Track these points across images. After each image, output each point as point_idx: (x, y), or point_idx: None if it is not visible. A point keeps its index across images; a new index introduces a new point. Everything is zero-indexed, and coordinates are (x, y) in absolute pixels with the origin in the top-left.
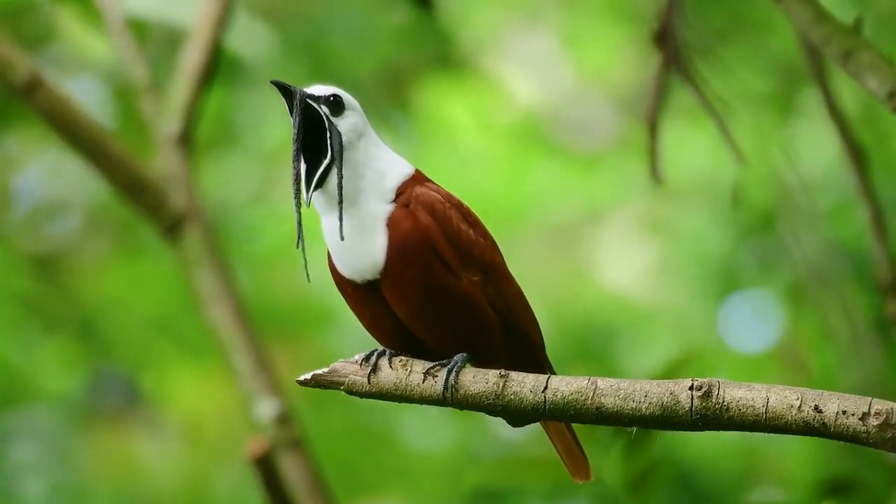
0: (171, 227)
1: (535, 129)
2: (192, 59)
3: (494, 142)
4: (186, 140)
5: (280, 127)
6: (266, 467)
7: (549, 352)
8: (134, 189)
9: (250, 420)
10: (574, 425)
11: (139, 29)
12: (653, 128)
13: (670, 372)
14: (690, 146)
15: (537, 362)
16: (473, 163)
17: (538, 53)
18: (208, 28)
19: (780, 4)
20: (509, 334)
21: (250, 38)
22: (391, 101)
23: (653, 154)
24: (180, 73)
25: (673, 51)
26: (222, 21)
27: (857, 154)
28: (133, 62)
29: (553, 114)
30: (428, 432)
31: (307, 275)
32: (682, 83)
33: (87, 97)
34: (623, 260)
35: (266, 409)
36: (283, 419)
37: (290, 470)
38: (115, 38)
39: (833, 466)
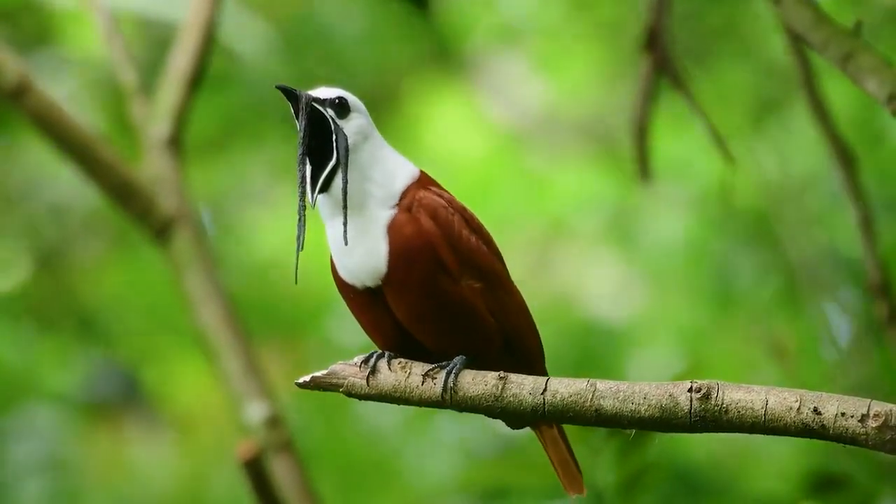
0: (161, 230)
1: (507, 146)
2: (181, 61)
3: (468, 155)
4: (176, 143)
5: (279, 126)
6: (256, 470)
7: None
8: (123, 193)
9: (243, 422)
10: (568, 434)
11: (130, 29)
12: (641, 131)
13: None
14: (677, 149)
15: (535, 374)
16: (447, 174)
17: (511, 75)
18: (197, 30)
19: (778, 6)
20: (508, 344)
21: (245, 37)
22: (381, 104)
23: (642, 157)
24: (169, 75)
25: (661, 55)
26: (211, 23)
27: (846, 158)
28: (122, 65)
29: (524, 134)
30: (432, 462)
31: (296, 277)
32: (671, 87)
33: (77, 99)
34: (598, 273)
35: (256, 411)
36: (274, 422)
37: (280, 473)
38: (105, 40)
39: (822, 463)
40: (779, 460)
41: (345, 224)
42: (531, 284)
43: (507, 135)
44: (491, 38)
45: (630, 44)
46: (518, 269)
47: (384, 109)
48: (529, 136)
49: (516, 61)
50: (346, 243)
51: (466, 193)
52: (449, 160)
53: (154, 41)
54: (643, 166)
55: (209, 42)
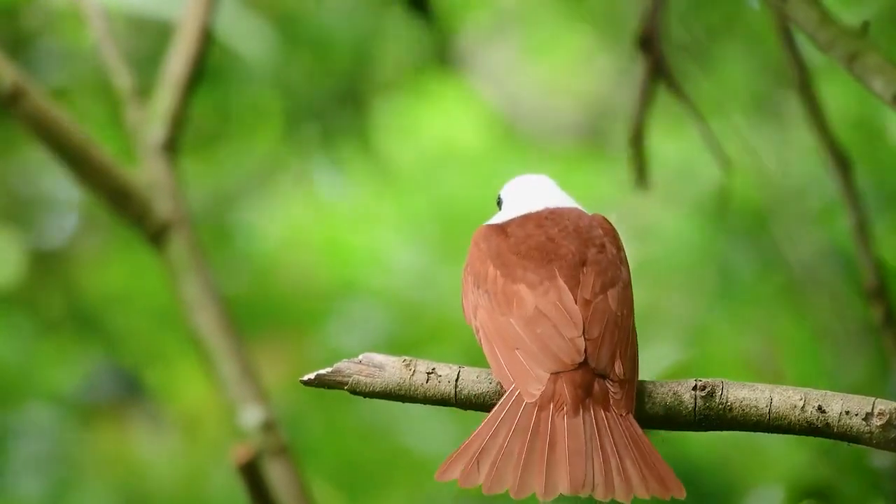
0: (157, 234)
1: (506, 134)
2: (176, 65)
3: (469, 144)
4: (172, 147)
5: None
6: (252, 474)
7: None
8: (119, 197)
9: (238, 426)
10: None
11: (126, 27)
12: (638, 135)
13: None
14: (679, 147)
15: None
16: (449, 165)
17: (502, 62)
18: (193, 34)
19: (785, 6)
20: None
21: (244, 34)
22: (376, 100)
23: (638, 161)
24: (165, 79)
25: (657, 57)
26: (207, 26)
27: (842, 162)
28: (117, 69)
29: (520, 121)
30: (430, 434)
31: None
32: (667, 90)
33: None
34: None
35: (251, 416)
36: (269, 426)
37: (276, 477)
38: (99, 45)
39: (811, 472)
40: (776, 460)
41: None
42: None
43: (501, 123)
44: (482, 27)
45: (617, 34)
46: None
47: (381, 98)
48: (523, 124)
49: (507, 49)
50: None
51: (464, 186)
52: (448, 148)
53: (149, 38)
54: (640, 170)
55: (205, 46)
